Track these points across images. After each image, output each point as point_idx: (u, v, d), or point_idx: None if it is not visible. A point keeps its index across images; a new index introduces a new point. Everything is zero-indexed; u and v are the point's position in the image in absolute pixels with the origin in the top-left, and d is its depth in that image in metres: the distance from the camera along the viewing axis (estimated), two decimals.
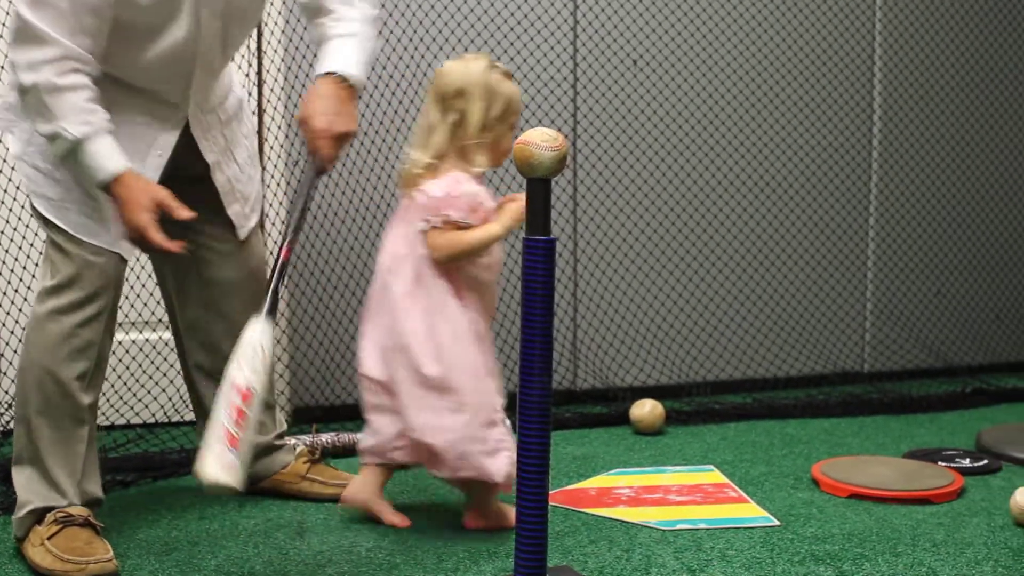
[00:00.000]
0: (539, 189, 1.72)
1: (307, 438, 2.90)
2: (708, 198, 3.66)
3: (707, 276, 3.68)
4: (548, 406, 1.73)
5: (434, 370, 2.29)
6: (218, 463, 1.90)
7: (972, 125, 4.01)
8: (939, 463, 2.89)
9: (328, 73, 2.23)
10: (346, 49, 2.24)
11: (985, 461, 2.93)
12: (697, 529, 2.38)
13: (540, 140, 1.71)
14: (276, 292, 2.13)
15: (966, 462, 2.92)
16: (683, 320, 3.66)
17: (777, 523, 2.43)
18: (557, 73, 3.45)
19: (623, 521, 2.43)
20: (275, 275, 2.15)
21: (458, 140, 2.34)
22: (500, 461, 2.29)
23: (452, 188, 2.29)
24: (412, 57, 3.29)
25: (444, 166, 2.34)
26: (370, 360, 2.37)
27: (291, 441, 2.68)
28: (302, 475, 2.56)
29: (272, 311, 2.10)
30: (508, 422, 2.33)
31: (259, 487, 2.54)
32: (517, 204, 2.28)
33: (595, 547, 2.26)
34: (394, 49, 3.27)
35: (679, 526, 2.39)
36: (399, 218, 2.41)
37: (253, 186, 2.48)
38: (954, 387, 3.83)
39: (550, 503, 2.50)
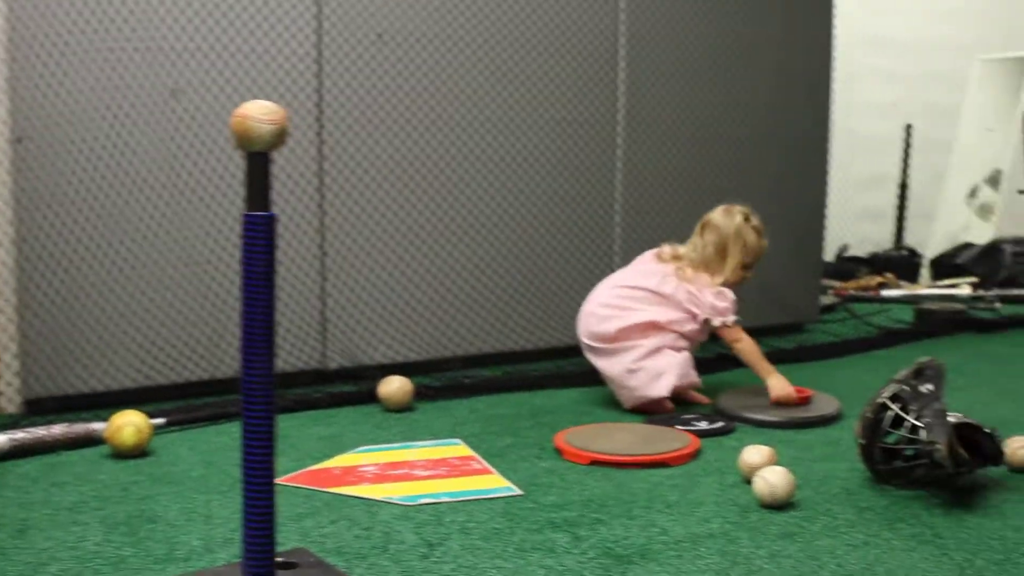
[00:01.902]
0: (258, 163, 1.67)
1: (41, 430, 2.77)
2: (455, 173, 3.67)
3: (455, 251, 3.69)
4: (271, 388, 1.68)
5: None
6: None
7: (711, 99, 4.16)
8: (677, 427, 2.99)
9: None
10: None
11: (721, 423, 3.05)
12: (440, 503, 2.38)
13: (258, 113, 1.65)
14: None
15: (703, 424, 3.03)
16: (431, 296, 3.67)
17: (519, 493, 2.46)
18: (300, 47, 3.37)
19: (366, 499, 2.41)
20: None
21: (707, 259, 3.35)
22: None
23: (730, 298, 3.32)
24: (148, 28, 3.16)
25: (696, 268, 3.35)
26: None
27: None
28: None
29: None
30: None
31: None
32: (789, 393, 3.24)
33: (335, 527, 2.23)
34: (133, 11, 3.13)
35: (422, 501, 2.39)
36: (647, 268, 3.41)
37: None
38: (696, 353, 3.97)
39: (294, 484, 2.49)
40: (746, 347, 3.31)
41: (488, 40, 3.68)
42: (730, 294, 3.32)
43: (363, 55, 3.48)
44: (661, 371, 3.24)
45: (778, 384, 3.25)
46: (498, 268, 3.78)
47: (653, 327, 3.27)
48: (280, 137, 1.67)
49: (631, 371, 3.25)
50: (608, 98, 3.94)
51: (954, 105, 6.97)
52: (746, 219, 3.37)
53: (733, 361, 3.57)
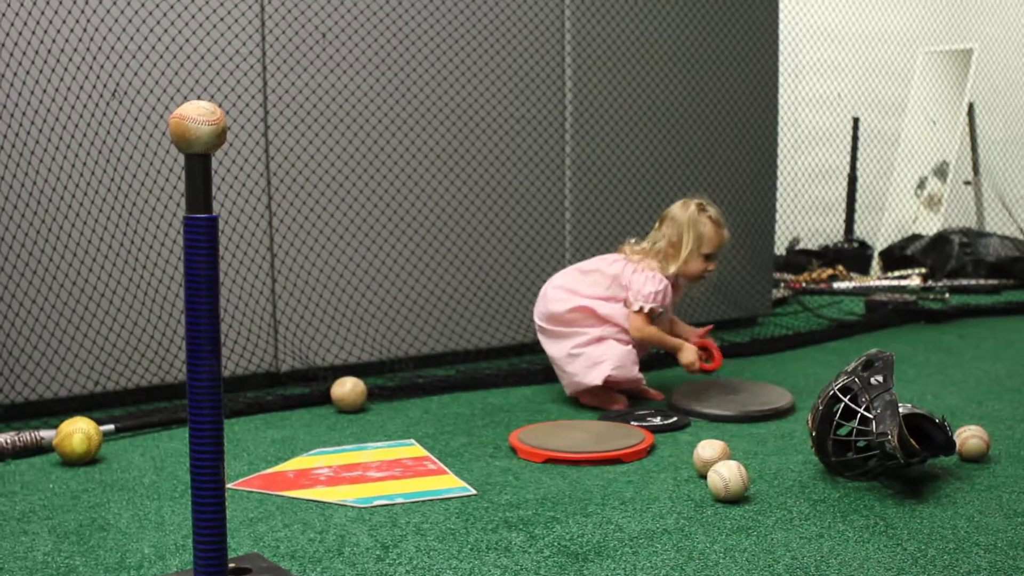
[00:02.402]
0: (198, 165, 1.64)
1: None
2: (403, 171, 3.65)
3: (405, 250, 3.67)
4: (218, 392, 1.65)
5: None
6: None
7: (659, 95, 4.16)
8: (631, 423, 2.99)
9: None
10: None
11: (675, 418, 3.05)
12: (394, 504, 2.36)
13: (196, 114, 1.62)
14: None
15: (657, 420, 3.03)
16: (383, 296, 3.64)
17: (474, 492, 2.44)
18: (243, 47, 3.34)
19: (320, 502, 2.39)
20: None
21: (662, 251, 3.32)
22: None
23: (658, 287, 3.26)
24: (87, 29, 3.11)
25: (647, 258, 3.33)
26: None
27: None
28: None
29: None
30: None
31: None
32: (694, 357, 3.30)
33: (288, 531, 2.20)
34: (71, 11, 3.08)
35: (376, 502, 2.37)
36: (606, 255, 3.45)
37: None
38: (650, 349, 3.97)
39: (247, 488, 2.47)
40: (648, 335, 3.28)
41: (434, 38, 3.67)
42: (662, 283, 3.27)
43: (308, 54, 3.45)
44: (599, 360, 3.23)
45: (688, 353, 3.29)
46: (449, 267, 3.77)
47: (596, 316, 3.28)
48: (219, 138, 1.65)
49: (571, 355, 3.26)
50: (555, 95, 3.94)
51: (899, 97, 7.04)
52: (701, 209, 3.33)
53: None
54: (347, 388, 3.19)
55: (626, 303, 3.29)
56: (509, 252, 3.88)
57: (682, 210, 3.35)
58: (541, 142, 3.92)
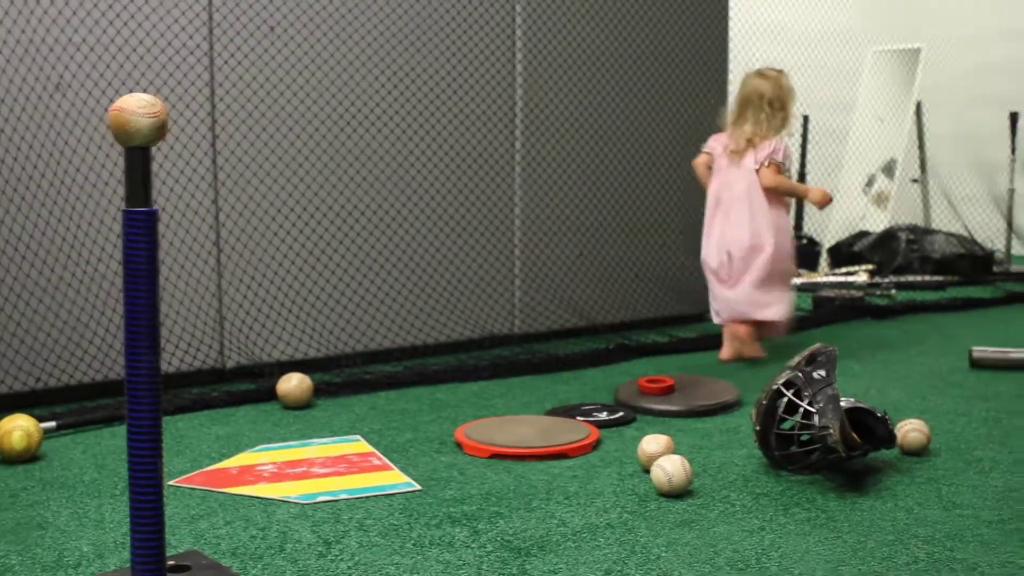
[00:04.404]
0: (138, 158, 1.63)
1: None
2: (351, 166, 3.63)
3: (353, 246, 3.66)
4: (157, 387, 1.64)
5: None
6: None
7: (609, 93, 4.18)
8: (578, 418, 3.00)
9: None
10: None
11: (621, 413, 3.06)
12: (338, 500, 2.36)
13: (137, 107, 1.61)
14: None
15: (603, 415, 3.04)
16: (330, 292, 3.63)
17: (418, 488, 2.44)
18: (190, 40, 3.31)
19: (263, 498, 2.37)
20: None
21: (776, 123, 3.75)
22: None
23: (777, 144, 3.71)
24: (30, 21, 3.07)
25: (765, 135, 3.71)
26: (712, 254, 3.79)
27: None
28: None
29: None
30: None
31: None
32: (823, 191, 3.82)
33: (230, 528, 2.19)
34: (13, 2, 3.04)
35: (320, 499, 2.36)
36: (727, 168, 3.76)
37: None
38: (598, 344, 3.99)
39: (189, 486, 2.45)
40: (781, 182, 3.70)
41: (383, 33, 3.65)
42: (781, 141, 3.73)
43: (255, 48, 3.43)
44: (780, 300, 3.69)
45: (816, 193, 3.82)
46: (397, 262, 3.75)
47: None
48: (159, 131, 1.63)
49: (762, 281, 3.65)
50: (506, 93, 3.94)
51: (848, 96, 7.09)
52: (786, 75, 3.86)
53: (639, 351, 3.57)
54: (293, 384, 3.17)
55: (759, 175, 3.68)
56: (457, 248, 3.88)
57: (775, 83, 3.78)
58: (491, 139, 3.92)
